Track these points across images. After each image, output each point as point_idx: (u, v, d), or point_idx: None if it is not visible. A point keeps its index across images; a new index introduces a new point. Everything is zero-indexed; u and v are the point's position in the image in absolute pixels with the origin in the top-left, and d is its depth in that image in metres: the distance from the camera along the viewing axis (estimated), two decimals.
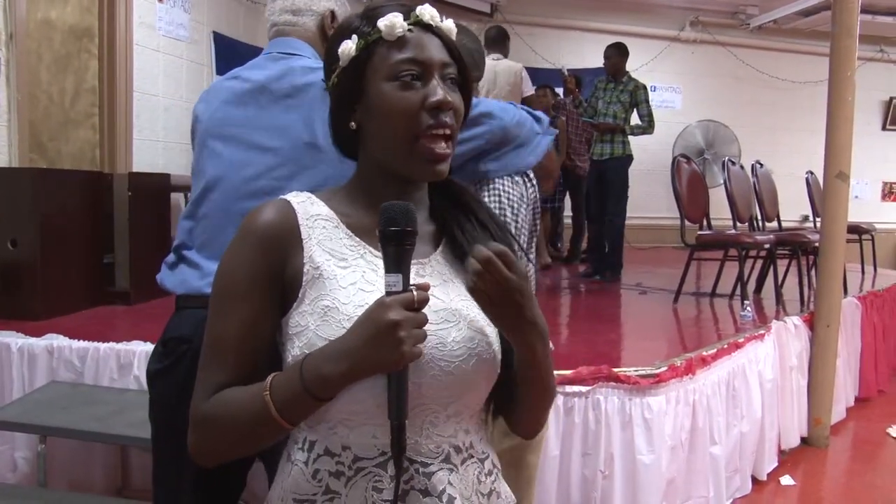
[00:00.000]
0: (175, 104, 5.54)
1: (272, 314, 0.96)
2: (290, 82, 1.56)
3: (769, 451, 3.55)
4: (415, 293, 0.84)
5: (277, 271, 0.95)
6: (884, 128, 10.21)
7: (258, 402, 0.88)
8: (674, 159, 5.08)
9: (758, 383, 3.43)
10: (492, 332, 0.97)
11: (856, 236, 6.06)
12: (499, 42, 5.49)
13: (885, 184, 10.38)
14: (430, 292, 0.88)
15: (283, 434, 0.92)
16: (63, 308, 3.48)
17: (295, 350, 0.92)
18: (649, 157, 7.93)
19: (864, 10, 4.38)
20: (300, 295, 0.94)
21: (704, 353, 3.05)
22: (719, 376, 3.10)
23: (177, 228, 1.61)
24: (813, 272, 4.67)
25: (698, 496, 2.93)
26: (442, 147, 0.96)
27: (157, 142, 5.38)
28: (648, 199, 8.19)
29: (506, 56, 5.47)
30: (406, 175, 0.98)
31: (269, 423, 0.88)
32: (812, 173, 5.97)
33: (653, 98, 6.25)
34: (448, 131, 0.96)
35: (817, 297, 4.08)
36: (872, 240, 6.46)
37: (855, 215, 4.86)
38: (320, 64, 1.49)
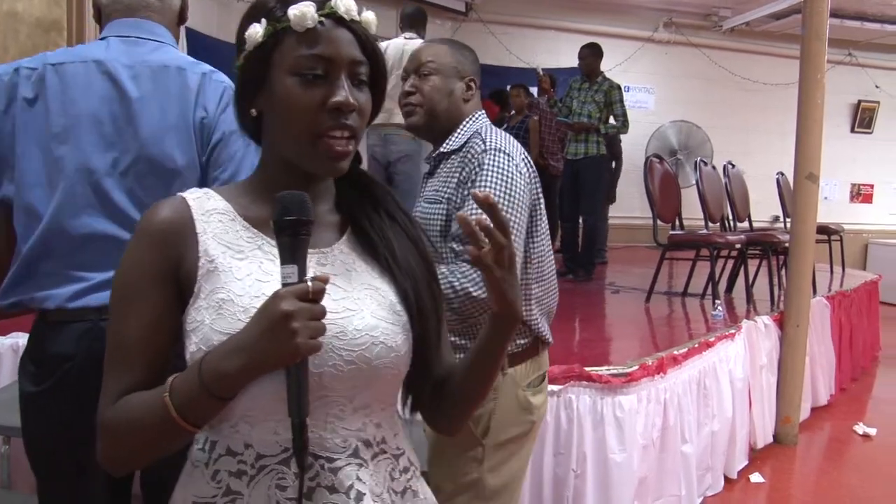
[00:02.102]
0: None
1: (173, 313, 0.92)
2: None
3: (740, 449, 3.58)
4: (310, 284, 0.81)
5: (174, 268, 0.92)
6: (852, 130, 10.37)
7: (159, 406, 0.84)
8: (646, 159, 5.09)
9: (728, 382, 3.46)
10: (399, 321, 0.94)
11: (825, 237, 6.14)
12: (416, 22, 4.94)
13: (853, 185, 10.55)
14: (332, 282, 0.86)
15: (190, 437, 0.89)
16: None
17: (192, 347, 0.89)
18: (622, 156, 7.97)
19: (834, 15, 4.42)
20: (195, 290, 0.91)
21: (676, 353, 3.07)
22: (690, 375, 3.12)
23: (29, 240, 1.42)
24: (783, 272, 4.72)
25: (670, 494, 2.94)
26: (342, 145, 0.93)
27: None
28: (621, 199, 8.23)
29: (422, 38, 4.86)
30: (306, 170, 0.95)
31: (171, 426, 0.84)
32: (782, 174, 6.03)
33: (626, 98, 6.27)
34: (348, 133, 0.93)
35: (787, 297, 4.12)
36: (841, 240, 6.56)
37: (824, 216, 4.94)
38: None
